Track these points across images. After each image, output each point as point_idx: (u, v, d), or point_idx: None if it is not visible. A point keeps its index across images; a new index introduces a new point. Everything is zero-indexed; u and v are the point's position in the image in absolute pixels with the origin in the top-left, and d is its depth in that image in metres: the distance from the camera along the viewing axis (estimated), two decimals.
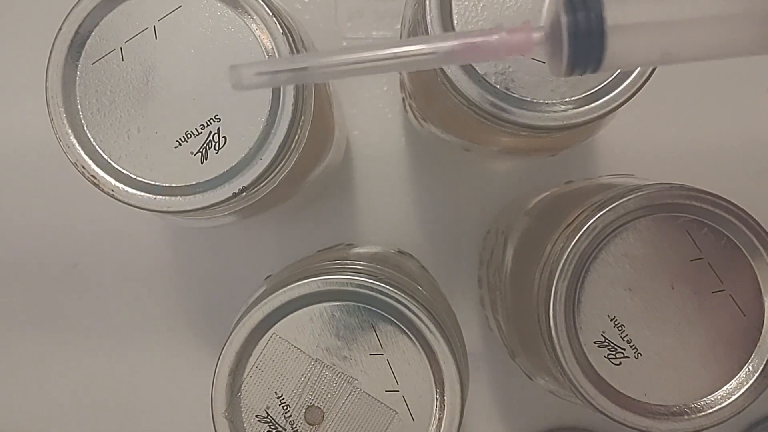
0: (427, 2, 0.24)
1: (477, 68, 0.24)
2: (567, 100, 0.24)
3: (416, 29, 0.25)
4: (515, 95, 0.24)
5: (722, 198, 0.26)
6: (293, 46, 0.25)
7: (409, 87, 0.32)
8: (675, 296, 0.26)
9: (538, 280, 0.27)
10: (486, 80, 0.24)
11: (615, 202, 0.26)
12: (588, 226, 0.26)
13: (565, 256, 0.26)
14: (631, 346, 0.26)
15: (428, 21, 0.23)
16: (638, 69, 0.24)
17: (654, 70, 0.24)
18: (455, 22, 0.24)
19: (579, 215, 0.27)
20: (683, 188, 0.26)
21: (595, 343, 0.26)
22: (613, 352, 0.26)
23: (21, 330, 0.42)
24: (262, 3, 0.25)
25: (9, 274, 0.41)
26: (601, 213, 0.26)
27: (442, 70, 0.24)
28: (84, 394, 0.42)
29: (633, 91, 0.24)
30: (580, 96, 0.24)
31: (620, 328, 0.26)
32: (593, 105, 0.24)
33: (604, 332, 0.26)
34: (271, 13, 0.25)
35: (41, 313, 0.42)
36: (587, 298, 0.26)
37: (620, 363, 0.26)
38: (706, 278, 0.26)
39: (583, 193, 0.30)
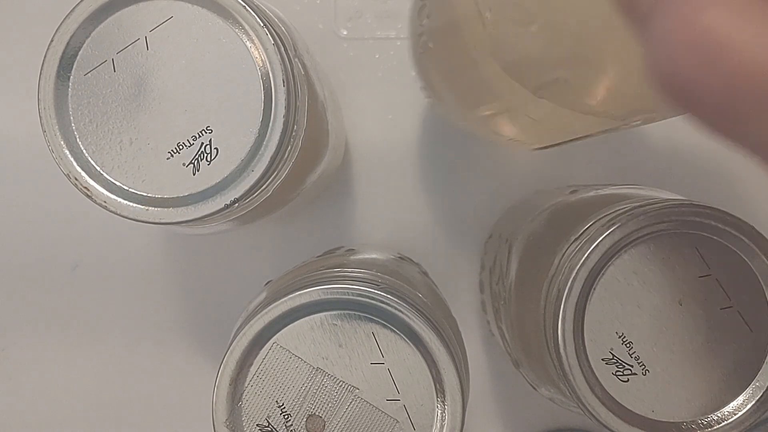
0: None
1: None
2: None
3: None
4: None
5: (730, 214, 0.26)
6: (284, 57, 0.24)
7: None
8: (683, 313, 0.26)
9: (545, 294, 0.27)
10: None
11: (624, 219, 0.26)
12: (597, 243, 0.25)
13: (574, 273, 0.26)
14: (639, 363, 0.26)
15: None
16: None
17: None
18: None
19: (587, 230, 0.26)
20: (692, 205, 0.26)
21: (603, 360, 0.26)
22: (621, 370, 0.26)
23: (20, 332, 0.42)
24: (253, 14, 0.24)
25: (8, 275, 0.41)
26: (610, 230, 0.25)
27: None
28: (82, 399, 0.42)
29: None
30: None
31: (628, 345, 0.26)
32: None
33: (612, 349, 0.26)
34: (262, 24, 0.24)
35: (40, 315, 0.41)
36: (595, 315, 0.26)
37: (628, 380, 0.26)
38: (714, 295, 0.26)
39: (590, 206, 0.29)
